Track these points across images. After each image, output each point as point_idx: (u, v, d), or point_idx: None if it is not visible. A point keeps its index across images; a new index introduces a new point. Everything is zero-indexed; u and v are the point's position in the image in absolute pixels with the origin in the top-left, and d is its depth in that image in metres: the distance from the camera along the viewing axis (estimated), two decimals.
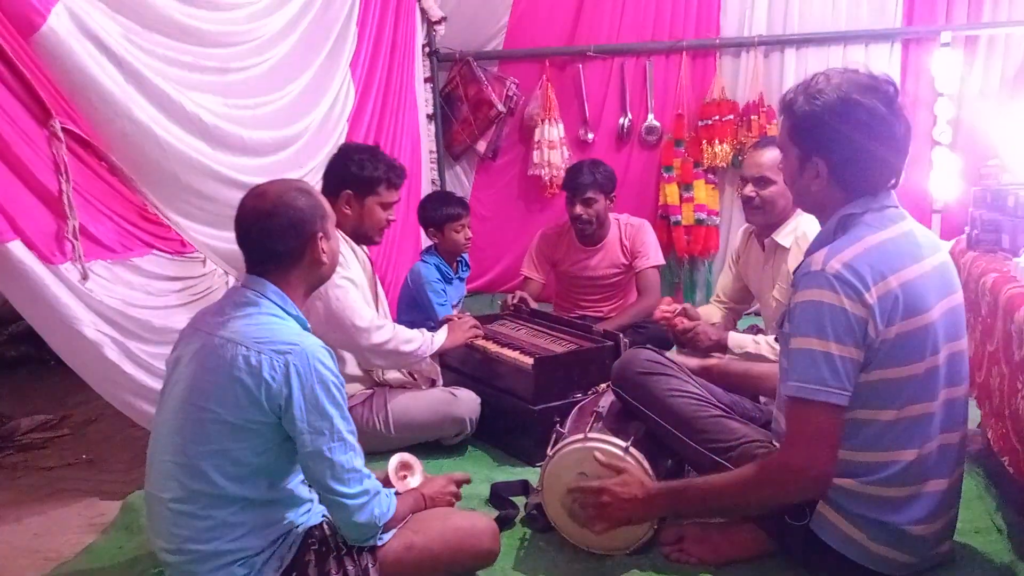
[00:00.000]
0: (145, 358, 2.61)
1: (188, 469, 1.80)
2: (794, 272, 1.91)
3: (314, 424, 1.77)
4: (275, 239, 1.89)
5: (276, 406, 1.77)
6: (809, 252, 1.89)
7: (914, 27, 4.65)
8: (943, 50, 4.54)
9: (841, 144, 1.82)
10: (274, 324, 1.84)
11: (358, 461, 1.83)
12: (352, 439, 1.82)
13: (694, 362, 2.49)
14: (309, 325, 1.94)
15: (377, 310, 3.04)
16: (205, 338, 1.85)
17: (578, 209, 3.75)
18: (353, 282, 2.86)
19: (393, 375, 3.07)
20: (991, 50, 4.61)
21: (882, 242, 1.81)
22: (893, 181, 1.88)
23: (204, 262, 2.95)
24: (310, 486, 1.91)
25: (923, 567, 1.94)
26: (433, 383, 3.16)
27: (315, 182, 3.50)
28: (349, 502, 1.81)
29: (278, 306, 1.87)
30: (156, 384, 2.43)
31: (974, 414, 2.23)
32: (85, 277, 2.45)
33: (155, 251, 2.75)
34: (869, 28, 4.68)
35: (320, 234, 1.92)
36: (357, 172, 2.91)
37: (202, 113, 2.80)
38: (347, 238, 2.89)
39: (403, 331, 2.91)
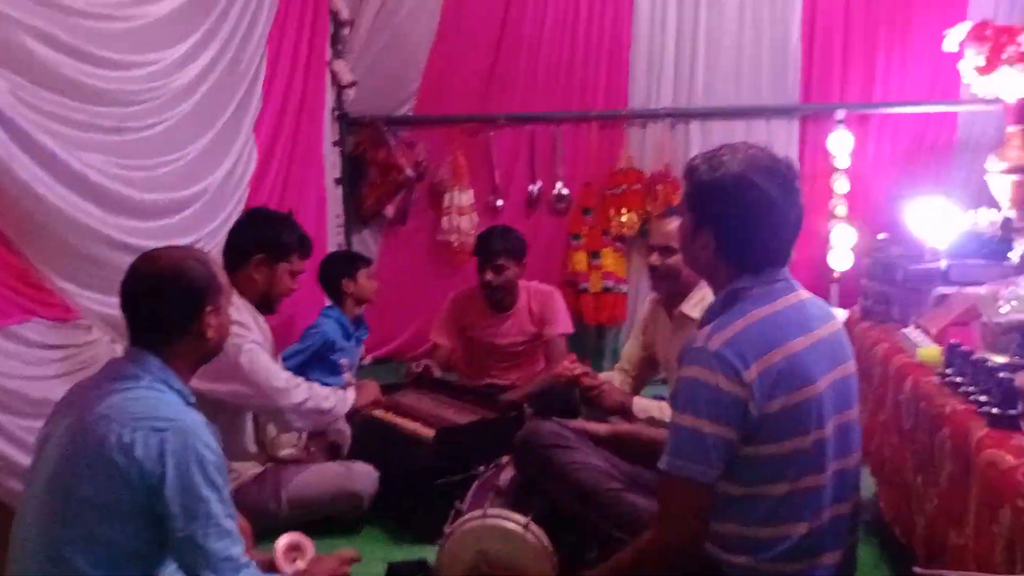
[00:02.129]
0: (19, 433, 2.42)
1: (53, 556, 1.67)
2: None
3: (188, 507, 1.67)
4: (162, 309, 1.81)
5: (148, 487, 1.66)
6: (701, 324, 1.90)
7: (811, 104, 4.85)
8: (838, 127, 4.73)
9: (731, 220, 1.84)
10: (152, 399, 1.75)
11: (235, 549, 1.72)
12: (230, 524, 1.72)
13: (604, 427, 2.45)
14: (194, 400, 1.85)
15: None
16: (78, 413, 1.74)
17: (489, 276, 3.72)
18: (260, 345, 2.77)
19: (287, 451, 2.95)
20: (883, 127, 4.84)
21: (766, 317, 1.81)
22: (781, 260, 1.90)
23: (89, 329, 2.80)
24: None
25: None
26: (338, 450, 3.06)
27: (213, 245, 3.42)
28: None
29: (160, 380, 1.78)
30: (29, 461, 2.27)
31: (869, 482, 2.25)
32: None
33: (36, 318, 2.59)
34: (770, 104, 4.85)
35: (210, 308, 1.85)
36: (273, 237, 2.86)
37: (90, 173, 2.67)
38: (250, 305, 2.80)
39: (318, 388, 2.82)
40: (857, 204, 4.80)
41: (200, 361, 1.93)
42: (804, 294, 1.94)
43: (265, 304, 2.90)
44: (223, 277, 1.91)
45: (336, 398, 2.84)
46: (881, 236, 3.14)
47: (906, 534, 2.03)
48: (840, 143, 4.73)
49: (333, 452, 3.11)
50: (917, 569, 1.62)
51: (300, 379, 2.81)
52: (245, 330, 2.71)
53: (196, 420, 1.73)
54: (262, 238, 2.86)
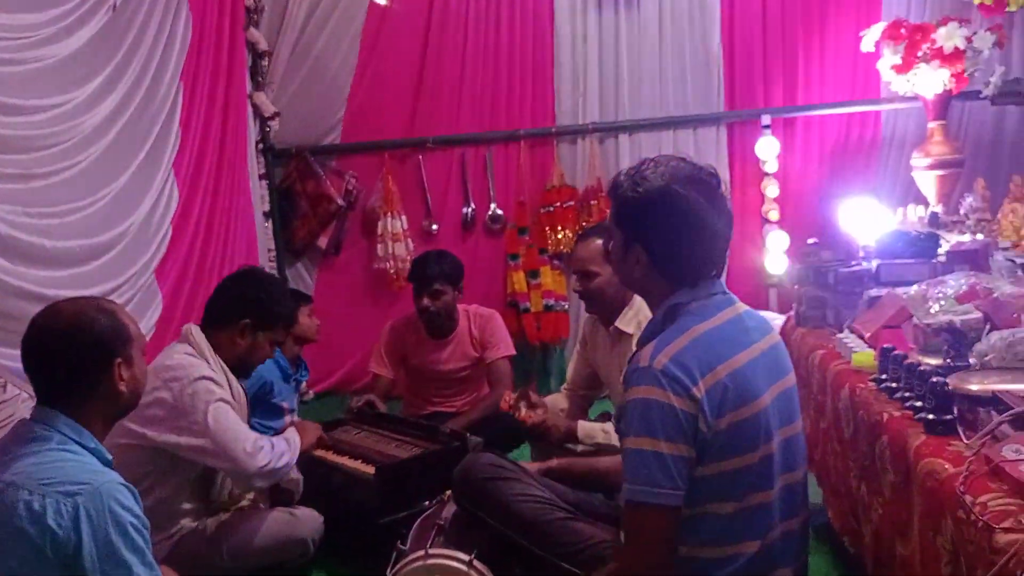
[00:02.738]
0: None
1: None
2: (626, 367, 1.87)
3: (108, 574, 1.57)
4: (68, 367, 1.70)
5: (64, 557, 1.56)
6: (640, 342, 1.86)
7: (735, 111, 4.90)
8: (765, 132, 4.78)
9: (660, 234, 1.81)
10: (65, 462, 1.64)
11: None
12: None
13: (534, 467, 2.42)
14: (111, 458, 1.75)
15: None
16: None
17: (425, 301, 3.65)
18: (228, 404, 2.60)
19: (244, 502, 2.84)
20: (808, 130, 4.90)
21: (709, 331, 1.79)
22: (715, 271, 1.88)
23: (4, 387, 2.67)
24: None
25: None
26: (290, 497, 2.95)
27: (136, 290, 3.31)
28: None
29: (72, 440, 1.68)
30: None
31: (816, 490, 2.24)
32: None
33: None
34: (695, 113, 4.89)
35: (119, 360, 1.75)
36: (265, 304, 2.70)
37: None
38: (224, 365, 2.66)
39: (276, 446, 2.68)
40: (788, 208, 4.86)
41: (116, 416, 1.83)
42: (741, 307, 1.92)
43: (240, 368, 2.74)
44: (133, 326, 1.81)
45: (290, 453, 2.73)
46: (811, 241, 3.16)
47: (855, 544, 2.01)
48: (767, 148, 4.78)
49: (285, 499, 3.00)
50: None
51: (263, 440, 2.67)
52: (216, 386, 2.56)
53: (113, 480, 1.64)
54: (254, 303, 2.69)
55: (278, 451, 2.65)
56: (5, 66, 2.76)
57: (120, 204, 3.26)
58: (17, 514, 1.56)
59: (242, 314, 2.67)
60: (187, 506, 2.66)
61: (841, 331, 2.46)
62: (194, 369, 2.52)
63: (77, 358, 1.71)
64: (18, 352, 2.63)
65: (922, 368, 1.74)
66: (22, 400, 2.69)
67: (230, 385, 2.70)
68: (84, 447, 1.69)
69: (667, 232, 1.80)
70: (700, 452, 1.72)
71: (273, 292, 2.78)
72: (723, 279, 1.91)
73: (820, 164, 4.89)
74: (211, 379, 2.55)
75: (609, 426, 2.78)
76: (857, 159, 4.85)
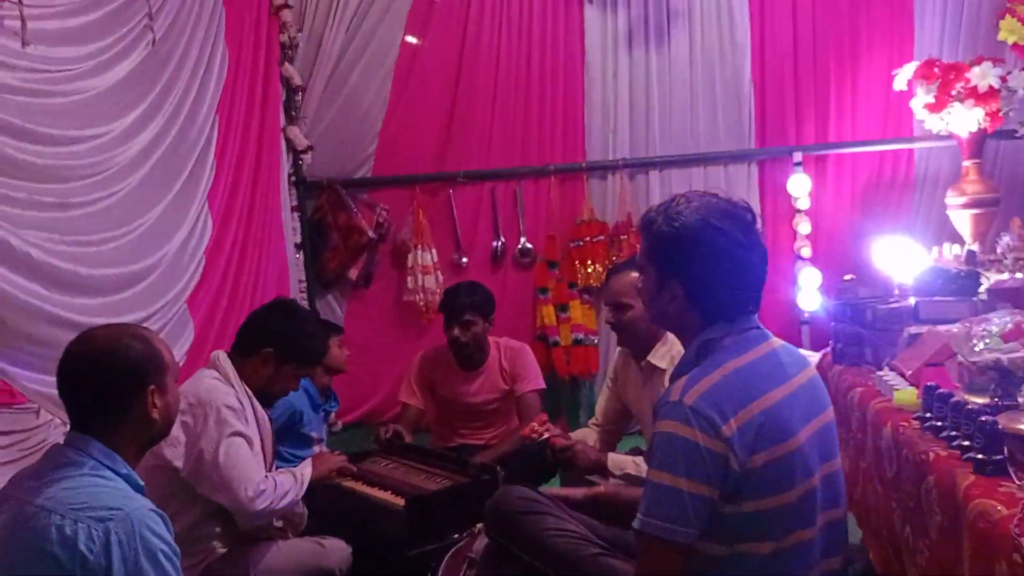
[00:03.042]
0: None
1: None
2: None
3: None
4: (101, 392, 1.71)
5: None
6: (673, 377, 1.83)
7: (767, 148, 4.88)
8: (796, 169, 4.75)
9: (697, 268, 1.79)
10: (97, 487, 1.64)
11: None
12: None
13: (580, 492, 2.35)
14: (143, 484, 1.74)
15: (269, 469, 2.78)
16: (16, 506, 1.63)
17: (456, 332, 3.63)
18: (248, 439, 2.58)
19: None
20: (840, 167, 4.86)
21: (743, 367, 1.76)
22: (751, 307, 1.85)
23: (38, 413, 2.68)
24: None
25: None
26: (295, 530, 2.92)
27: (168, 319, 3.32)
28: None
29: (105, 466, 1.67)
30: None
31: (855, 532, 2.18)
32: None
33: None
34: (726, 150, 4.87)
35: (153, 387, 1.75)
36: (290, 339, 2.70)
37: (33, 252, 2.59)
38: (249, 391, 2.66)
39: (280, 486, 2.67)
40: (821, 244, 4.82)
41: (148, 443, 1.83)
42: (776, 342, 1.88)
43: (261, 398, 2.74)
44: (168, 354, 1.82)
45: (296, 488, 2.71)
46: (847, 277, 3.12)
47: None
48: (799, 185, 4.75)
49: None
50: None
51: (267, 483, 2.65)
52: (234, 417, 2.55)
53: (144, 507, 1.63)
54: (279, 335, 2.69)
55: (281, 491, 2.62)
56: (46, 98, 2.81)
57: (155, 234, 3.29)
58: (48, 538, 1.55)
59: (266, 343, 2.67)
60: (216, 530, 2.65)
61: (880, 368, 2.41)
62: (217, 397, 2.52)
63: (111, 383, 1.71)
64: (51, 378, 2.65)
65: (970, 407, 1.70)
66: (55, 426, 2.71)
67: (255, 411, 2.70)
68: (117, 473, 1.68)
69: (704, 268, 1.78)
70: (734, 490, 1.69)
71: (301, 325, 2.77)
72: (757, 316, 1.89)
73: (853, 201, 4.84)
74: (231, 408, 2.54)
75: (641, 459, 2.74)
76: (890, 197, 4.80)
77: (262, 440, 2.72)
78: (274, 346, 2.67)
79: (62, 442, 1.76)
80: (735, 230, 1.77)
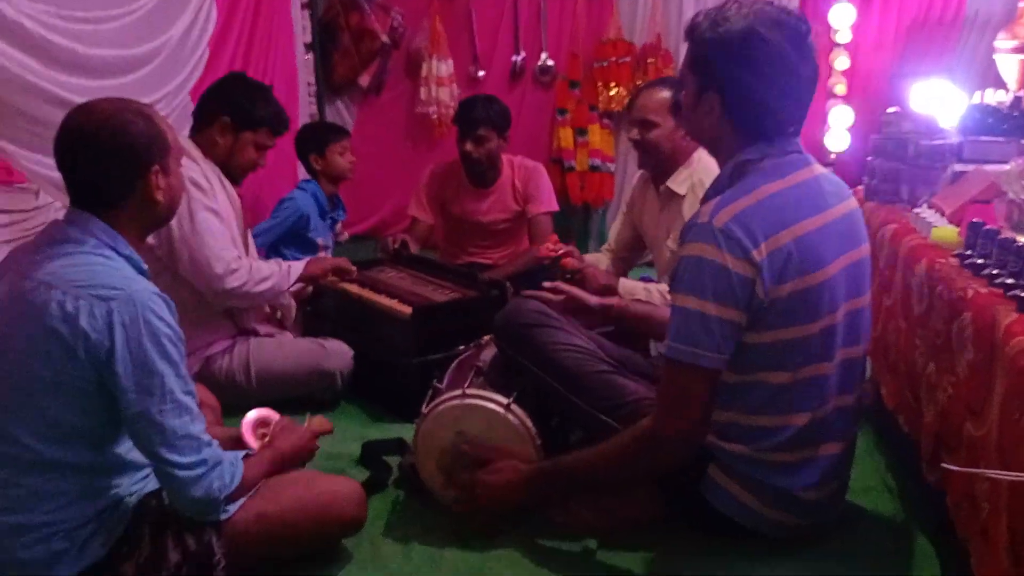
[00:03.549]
0: None
1: None
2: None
3: (141, 382, 1.53)
4: (100, 168, 1.61)
5: (96, 360, 1.52)
6: (704, 200, 1.74)
7: None
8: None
9: (736, 80, 1.66)
10: (98, 266, 1.58)
11: (195, 427, 1.59)
12: (189, 401, 1.59)
13: (594, 299, 2.29)
14: (147, 268, 1.68)
15: (245, 250, 2.80)
16: (15, 280, 1.57)
17: (469, 146, 3.50)
18: (217, 214, 2.61)
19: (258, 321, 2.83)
20: (886, 2, 4.59)
21: (778, 192, 1.66)
22: (793, 128, 1.73)
23: (37, 194, 2.60)
24: None
25: (814, 528, 1.85)
26: (284, 321, 2.94)
27: (169, 110, 3.18)
28: (182, 473, 1.57)
29: (107, 245, 1.60)
30: None
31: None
32: None
33: None
34: None
35: (156, 167, 1.65)
36: (243, 103, 2.70)
37: (27, 22, 2.41)
38: (217, 169, 2.67)
39: (258, 270, 2.68)
40: (857, 83, 4.61)
41: (152, 226, 1.76)
42: (819, 169, 1.78)
43: (226, 174, 2.71)
44: (171, 134, 1.71)
45: (275, 276, 2.70)
46: (891, 110, 2.95)
47: (910, 423, 1.93)
48: (842, 16, 4.49)
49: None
50: (945, 464, 1.51)
51: (243, 261, 2.64)
52: (201, 194, 2.54)
53: (147, 289, 1.57)
54: (231, 101, 2.69)
55: (258, 275, 2.65)
56: None
57: (156, 17, 3.09)
58: (49, 313, 1.51)
59: (221, 111, 2.68)
60: (212, 322, 2.66)
61: (916, 207, 2.31)
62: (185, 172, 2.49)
63: (111, 163, 1.61)
64: (49, 159, 2.56)
65: (1019, 244, 1.60)
66: (55, 208, 2.64)
67: (224, 187, 2.68)
68: (119, 253, 1.62)
69: (745, 79, 1.65)
70: (756, 318, 1.63)
71: (253, 92, 2.76)
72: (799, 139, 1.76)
73: (896, 39, 4.60)
74: (197, 185, 2.55)
75: (652, 285, 2.70)
76: (935, 36, 4.55)
77: (235, 217, 2.75)
78: (228, 113, 2.68)
79: (61, 219, 1.67)
80: (784, 41, 1.64)
